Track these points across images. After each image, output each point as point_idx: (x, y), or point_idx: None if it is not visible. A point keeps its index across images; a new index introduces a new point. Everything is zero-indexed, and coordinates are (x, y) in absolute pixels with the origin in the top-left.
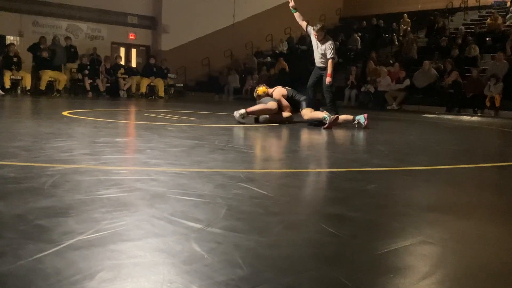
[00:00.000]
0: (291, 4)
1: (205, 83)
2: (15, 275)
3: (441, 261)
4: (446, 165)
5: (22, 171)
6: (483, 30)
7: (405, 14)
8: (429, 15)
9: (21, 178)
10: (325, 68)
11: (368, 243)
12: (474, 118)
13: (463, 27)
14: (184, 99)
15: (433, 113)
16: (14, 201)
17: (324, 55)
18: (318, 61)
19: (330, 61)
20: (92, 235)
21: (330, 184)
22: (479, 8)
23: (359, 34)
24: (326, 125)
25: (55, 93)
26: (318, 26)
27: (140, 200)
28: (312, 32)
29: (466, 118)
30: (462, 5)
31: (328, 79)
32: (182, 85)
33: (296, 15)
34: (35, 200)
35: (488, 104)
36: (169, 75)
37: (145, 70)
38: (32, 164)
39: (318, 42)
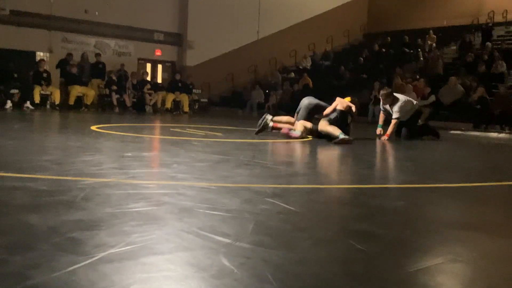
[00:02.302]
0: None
1: (229, 98)
2: (50, 286)
3: (471, 280)
4: (474, 182)
5: (53, 184)
6: (511, 46)
7: (431, 30)
8: (457, 31)
9: (53, 191)
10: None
11: (398, 261)
12: (502, 135)
13: (490, 43)
14: (209, 114)
15: (460, 130)
16: (47, 213)
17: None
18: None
19: (394, 121)
20: (123, 248)
21: (357, 200)
22: (506, 24)
23: (383, 50)
24: (337, 141)
25: (83, 108)
26: (384, 91)
27: (168, 214)
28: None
29: (493, 134)
30: (489, 21)
31: (384, 137)
32: (206, 100)
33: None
34: (67, 213)
35: None
36: (194, 90)
37: (171, 85)
38: (63, 177)
39: (388, 107)
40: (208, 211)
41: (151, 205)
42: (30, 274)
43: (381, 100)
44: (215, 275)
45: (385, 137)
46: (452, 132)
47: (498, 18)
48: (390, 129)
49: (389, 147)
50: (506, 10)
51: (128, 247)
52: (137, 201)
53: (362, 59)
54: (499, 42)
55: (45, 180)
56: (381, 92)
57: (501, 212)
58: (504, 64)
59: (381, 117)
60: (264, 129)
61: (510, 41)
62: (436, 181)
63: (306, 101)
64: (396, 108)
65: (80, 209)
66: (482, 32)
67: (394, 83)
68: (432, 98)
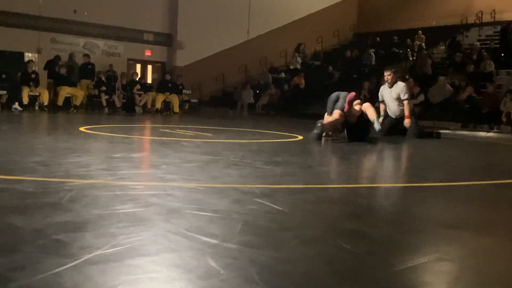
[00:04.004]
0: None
1: (219, 98)
2: None
3: (458, 278)
4: (463, 181)
5: (40, 186)
6: (499, 45)
7: (420, 31)
8: (446, 31)
9: (40, 193)
10: (401, 116)
11: (385, 260)
12: (490, 134)
13: (478, 43)
14: (199, 114)
15: (449, 129)
16: (33, 215)
17: (398, 99)
18: (394, 110)
19: (406, 102)
20: (109, 250)
21: (346, 199)
22: (494, 23)
23: (373, 49)
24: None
25: (72, 109)
26: (392, 69)
27: (156, 215)
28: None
29: (482, 134)
30: (477, 21)
31: (407, 121)
32: (196, 100)
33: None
34: (53, 214)
35: (504, 120)
36: (184, 91)
37: (161, 86)
38: (50, 179)
39: (388, 87)
40: (196, 212)
41: (138, 207)
42: (14, 276)
43: (386, 81)
44: (202, 276)
45: (407, 121)
46: (440, 131)
47: (487, 18)
48: (406, 111)
49: (377, 146)
50: (494, 10)
51: (114, 249)
52: (124, 203)
53: (349, 54)
54: (488, 41)
55: (32, 182)
56: (386, 72)
57: (489, 210)
58: (492, 64)
59: (382, 107)
60: (323, 131)
61: (498, 41)
62: (424, 180)
63: (343, 94)
64: (403, 89)
65: (67, 211)
66: (501, 31)
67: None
68: (421, 97)
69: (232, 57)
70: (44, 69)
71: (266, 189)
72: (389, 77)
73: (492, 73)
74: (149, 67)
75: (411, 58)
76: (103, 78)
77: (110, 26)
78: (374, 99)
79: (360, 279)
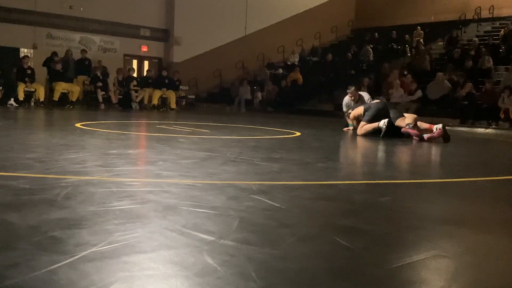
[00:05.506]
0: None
1: (216, 94)
2: (29, 286)
3: (456, 275)
4: (460, 177)
5: (35, 183)
6: (497, 41)
7: (418, 26)
8: (445, 26)
9: (35, 190)
10: None
11: (382, 257)
12: (489, 130)
13: (476, 39)
14: (196, 110)
15: (447, 125)
16: (28, 212)
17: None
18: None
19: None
20: (105, 247)
21: (343, 196)
22: (493, 19)
23: (371, 45)
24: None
25: (68, 105)
26: (351, 88)
27: (152, 212)
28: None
29: (480, 130)
30: (475, 17)
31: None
32: (193, 96)
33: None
34: (49, 211)
35: (502, 116)
36: (180, 87)
37: (157, 82)
38: (46, 175)
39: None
40: (192, 209)
41: (135, 203)
42: (9, 273)
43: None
44: (198, 273)
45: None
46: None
47: (485, 14)
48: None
49: (374, 143)
50: (493, 6)
51: (110, 246)
52: (120, 199)
53: (350, 55)
54: (486, 37)
55: (27, 178)
56: (348, 90)
57: (487, 207)
58: (491, 60)
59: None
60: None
61: (497, 37)
62: (422, 177)
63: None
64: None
65: (62, 208)
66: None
67: (388, 79)
68: (419, 93)
69: (229, 53)
70: (43, 65)
71: (263, 186)
72: (352, 95)
73: (490, 69)
74: (146, 63)
75: (409, 54)
76: (99, 74)
77: (106, 22)
78: (372, 95)
79: (357, 276)
